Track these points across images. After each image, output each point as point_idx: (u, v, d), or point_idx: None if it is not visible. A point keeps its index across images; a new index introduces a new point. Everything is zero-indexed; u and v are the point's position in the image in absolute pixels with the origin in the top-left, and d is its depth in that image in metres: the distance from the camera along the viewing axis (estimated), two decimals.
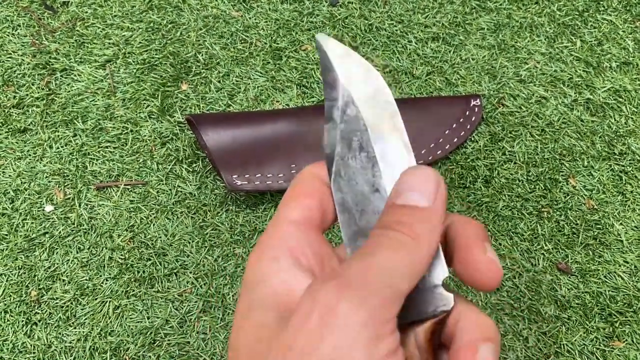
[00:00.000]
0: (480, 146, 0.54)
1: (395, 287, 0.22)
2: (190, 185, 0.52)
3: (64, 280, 0.49)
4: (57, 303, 0.48)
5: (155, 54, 0.58)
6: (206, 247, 0.50)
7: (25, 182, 0.53)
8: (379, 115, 0.28)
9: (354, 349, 0.20)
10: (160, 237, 0.50)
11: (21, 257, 0.50)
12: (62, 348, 0.46)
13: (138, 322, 0.47)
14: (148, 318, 0.47)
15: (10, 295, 0.48)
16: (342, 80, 0.28)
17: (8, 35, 0.59)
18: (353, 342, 0.20)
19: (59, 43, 0.59)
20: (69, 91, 0.57)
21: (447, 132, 0.54)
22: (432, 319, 0.25)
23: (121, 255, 0.50)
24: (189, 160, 0.54)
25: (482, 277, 0.26)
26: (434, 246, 0.24)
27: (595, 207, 0.52)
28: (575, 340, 0.47)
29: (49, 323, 0.47)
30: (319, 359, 0.20)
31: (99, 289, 0.48)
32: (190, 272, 0.49)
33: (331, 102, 0.28)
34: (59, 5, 0.61)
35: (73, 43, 0.59)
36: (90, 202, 0.52)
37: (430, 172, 0.25)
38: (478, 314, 0.26)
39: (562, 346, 0.47)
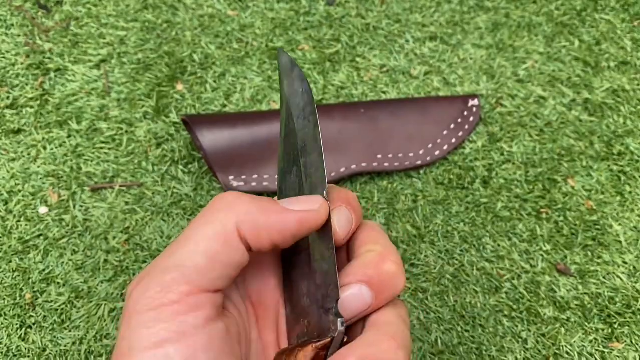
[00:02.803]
0: (478, 147, 0.54)
1: None
2: (186, 186, 0.52)
3: (58, 283, 0.48)
4: (52, 306, 0.47)
5: (151, 54, 0.58)
6: None
7: (19, 184, 0.52)
8: (306, 127, 0.31)
9: None
10: (156, 239, 0.50)
11: (15, 260, 0.49)
12: (57, 351, 0.46)
13: None
14: None
15: (5, 299, 0.48)
16: (287, 95, 0.31)
17: (1, 35, 0.59)
18: None
19: (53, 43, 0.58)
20: (63, 91, 0.56)
21: (445, 132, 0.54)
22: (318, 342, 0.27)
23: (116, 257, 0.49)
24: (185, 161, 0.53)
25: None
26: None
27: (594, 207, 0.52)
28: (574, 342, 0.46)
29: (43, 326, 0.47)
30: None
31: (94, 291, 0.48)
32: None
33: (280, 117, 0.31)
34: (52, 5, 0.60)
35: (67, 43, 0.58)
36: (85, 203, 0.51)
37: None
38: None
39: (561, 348, 0.46)
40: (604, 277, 0.49)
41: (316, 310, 0.28)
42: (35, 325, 0.47)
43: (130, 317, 0.24)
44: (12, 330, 0.47)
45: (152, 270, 0.26)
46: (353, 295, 0.27)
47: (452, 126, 0.54)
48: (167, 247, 0.27)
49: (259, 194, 0.52)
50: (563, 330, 0.47)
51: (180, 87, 0.56)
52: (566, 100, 0.56)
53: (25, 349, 0.46)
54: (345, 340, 0.27)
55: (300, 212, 0.27)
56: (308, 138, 0.30)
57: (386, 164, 0.52)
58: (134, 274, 0.48)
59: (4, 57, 0.58)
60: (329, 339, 0.26)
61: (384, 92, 0.56)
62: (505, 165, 0.53)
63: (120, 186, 0.52)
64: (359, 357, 0.25)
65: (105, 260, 0.49)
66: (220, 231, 0.26)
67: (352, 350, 0.25)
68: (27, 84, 0.56)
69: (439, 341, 0.47)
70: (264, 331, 0.30)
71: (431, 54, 0.58)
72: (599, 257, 0.50)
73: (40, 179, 0.52)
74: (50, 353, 0.46)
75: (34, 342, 0.46)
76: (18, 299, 0.48)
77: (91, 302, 0.48)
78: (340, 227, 0.29)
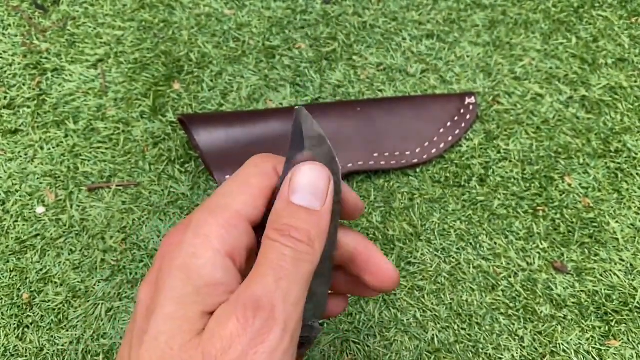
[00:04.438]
0: (475, 144, 0.54)
1: (302, 304, 0.26)
2: (183, 185, 0.52)
3: (55, 282, 0.48)
4: (49, 306, 0.48)
5: (147, 53, 0.58)
6: None
7: (16, 184, 0.52)
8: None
9: None
10: (153, 239, 0.50)
11: (12, 260, 0.49)
12: (54, 351, 0.46)
13: None
14: None
15: (2, 298, 0.48)
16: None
17: None
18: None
19: (50, 43, 0.58)
20: (60, 91, 0.56)
21: (441, 130, 0.54)
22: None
23: (113, 257, 0.49)
24: (182, 160, 0.53)
25: (385, 278, 0.31)
26: (323, 247, 0.27)
27: (591, 205, 0.51)
28: (571, 340, 0.46)
29: (41, 326, 0.47)
30: None
31: (91, 291, 0.48)
32: None
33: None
34: (49, 5, 0.60)
35: (64, 43, 0.58)
36: (82, 203, 0.51)
37: (324, 172, 0.28)
38: None
39: (558, 345, 0.46)
40: (600, 275, 0.49)
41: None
42: (33, 325, 0.47)
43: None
44: (9, 330, 0.47)
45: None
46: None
47: (449, 124, 0.54)
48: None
49: None
50: (560, 328, 0.47)
51: (177, 86, 0.56)
52: (563, 98, 0.56)
53: (23, 348, 0.46)
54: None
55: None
56: None
57: (383, 162, 0.52)
58: (130, 274, 0.49)
59: (1, 57, 0.58)
60: (313, 340, 0.29)
61: (380, 90, 0.56)
62: (502, 163, 0.53)
63: (117, 186, 0.52)
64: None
65: (102, 260, 0.49)
66: (256, 172, 0.28)
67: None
68: (24, 84, 0.56)
69: (436, 339, 0.47)
70: None
71: (428, 52, 0.58)
72: (596, 255, 0.50)
73: (38, 178, 0.52)
74: (47, 353, 0.46)
75: (31, 341, 0.46)
76: (15, 298, 0.48)
77: (88, 301, 0.48)
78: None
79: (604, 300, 0.48)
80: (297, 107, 0.29)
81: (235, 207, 0.26)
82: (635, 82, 0.57)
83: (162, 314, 0.25)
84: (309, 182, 0.27)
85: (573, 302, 0.48)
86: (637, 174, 0.53)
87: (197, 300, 0.25)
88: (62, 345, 0.46)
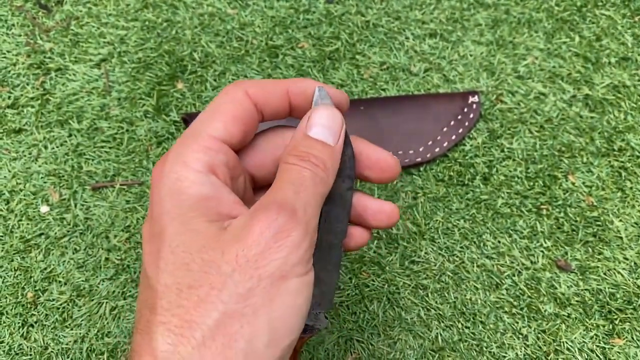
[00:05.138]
0: (478, 143, 0.54)
1: (316, 222, 0.28)
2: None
3: (60, 281, 0.48)
4: (53, 304, 0.48)
5: (151, 53, 0.58)
6: None
7: (20, 183, 0.52)
8: (339, 186, 0.32)
9: (298, 263, 0.26)
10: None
11: (17, 259, 0.49)
12: (58, 350, 0.46)
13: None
14: None
15: (7, 297, 0.48)
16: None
17: (2, 35, 0.59)
18: (298, 259, 0.26)
19: (53, 42, 0.59)
20: (64, 91, 0.56)
21: (445, 129, 0.54)
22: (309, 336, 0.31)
23: (117, 255, 0.49)
24: None
25: (384, 167, 0.32)
26: (334, 182, 0.30)
27: (595, 203, 0.51)
28: (575, 338, 0.46)
29: (45, 325, 0.47)
30: (271, 268, 0.25)
31: (96, 290, 0.48)
32: None
33: None
34: (53, 4, 0.60)
35: (68, 42, 0.59)
36: (86, 202, 0.51)
37: (338, 115, 0.30)
38: None
39: (561, 344, 0.46)
40: (604, 273, 0.49)
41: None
42: (37, 324, 0.47)
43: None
44: (14, 328, 0.47)
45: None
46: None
47: (452, 123, 0.54)
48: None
49: None
50: (564, 326, 0.47)
51: (180, 85, 0.56)
52: (566, 96, 0.56)
53: (27, 347, 0.46)
54: None
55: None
56: (337, 194, 0.32)
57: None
58: (134, 272, 0.49)
59: (5, 57, 0.58)
60: (316, 331, 0.31)
61: (383, 90, 0.56)
62: (506, 161, 0.53)
63: (121, 185, 0.52)
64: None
65: (106, 259, 0.49)
66: (227, 99, 0.29)
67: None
68: (28, 84, 0.57)
69: (440, 338, 0.47)
70: None
71: (431, 51, 0.58)
72: (600, 253, 0.50)
73: (42, 178, 0.52)
74: (51, 351, 0.46)
75: (35, 340, 0.46)
76: (20, 297, 0.48)
77: (92, 300, 0.48)
78: None
79: (607, 299, 0.48)
80: (317, 86, 0.31)
81: (208, 132, 0.28)
82: (639, 80, 0.56)
83: (169, 233, 0.26)
84: (326, 120, 0.30)
85: (577, 301, 0.48)
86: None
87: (196, 215, 0.26)
88: (67, 344, 0.46)
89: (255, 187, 0.33)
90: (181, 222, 0.26)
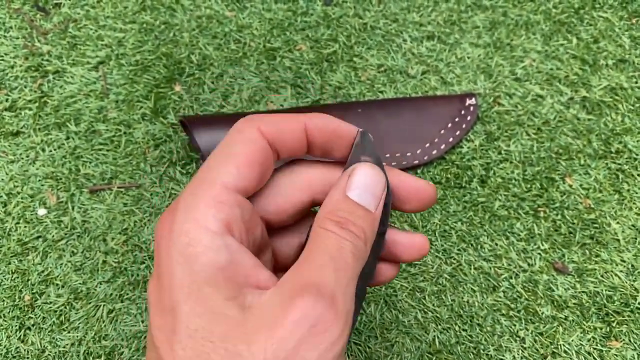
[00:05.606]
0: (476, 145, 0.54)
1: (353, 299, 0.25)
2: (184, 187, 0.52)
3: (57, 284, 0.48)
4: (50, 307, 0.48)
5: (148, 55, 0.58)
6: None
7: (18, 186, 0.52)
8: None
9: (332, 359, 0.23)
10: (154, 240, 0.50)
11: (14, 262, 0.49)
12: (56, 352, 0.46)
13: (132, 325, 0.47)
14: (142, 322, 0.47)
15: (4, 300, 0.48)
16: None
17: (0, 38, 0.59)
18: (334, 356, 0.23)
19: (51, 45, 0.59)
20: (62, 93, 0.56)
21: (442, 131, 0.54)
22: None
23: (115, 258, 0.49)
24: (183, 162, 0.53)
25: (421, 194, 0.29)
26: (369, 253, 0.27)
27: (592, 206, 0.51)
28: (572, 341, 0.46)
29: (42, 327, 0.47)
30: None
31: (93, 292, 0.48)
32: None
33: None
34: (51, 7, 0.61)
35: (65, 45, 0.59)
36: (84, 205, 0.51)
37: (383, 176, 0.28)
38: None
39: (559, 346, 0.46)
40: (602, 276, 0.49)
41: None
42: (34, 327, 0.47)
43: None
44: (11, 331, 0.47)
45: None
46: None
47: (450, 125, 0.54)
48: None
49: None
50: (561, 329, 0.47)
51: (178, 88, 0.57)
52: (564, 99, 0.56)
53: (24, 350, 0.46)
54: None
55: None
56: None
57: (383, 164, 0.52)
58: (132, 275, 0.49)
59: (2, 60, 0.58)
60: None
61: (381, 92, 0.56)
62: (503, 164, 0.53)
63: (119, 187, 0.52)
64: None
65: (104, 262, 0.49)
66: (240, 138, 0.26)
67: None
68: (25, 86, 0.57)
69: (437, 340, 0.47)
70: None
71: (428, 53, 0.58)
72: (597, 256, 0.50)
73: (39, 180, 0.52)
74: (49, 354, 0.46)
75: (32, 343, 0.46)
76: (17, 300, 0.48)
77: (90, 303, 0.48)
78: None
79: (605, 301, 0.48)
80: (360, 130, 0.29)
81: (222, 181, 0.25)
82: (636, 83, 0.57)
83: (184, 312, 0.23)
84: (370, 183, 0.27)
85: (574, 303, 0.48)
86: (638, 174, 0.53)
87: (213, 290, 0.23)
88: (64, 347, 0.46)
89: (271, 230, 0.30)
90: (197, 299, 0.23)
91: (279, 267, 0.30)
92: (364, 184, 0.27)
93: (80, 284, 0.48)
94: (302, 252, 0.25)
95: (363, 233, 0.26)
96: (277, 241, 0.30)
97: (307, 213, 0.30)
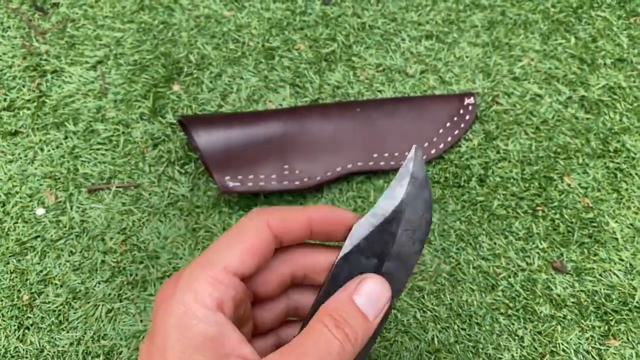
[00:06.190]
0: (474, 145, 0.54)
1: None
2: (183, 187, 0.52)
3: (56, 284, 0.48)
4: (49, 307, 0.48)
5: (147, 55, 0.58)
6: (199, 249, 0.50)
7: (16, 186, 0.52)
8: (407, 245, 0.33)
9: None
10: (153, 240, 0.50)
11: (13, 261, 0.49)
12: (54, 352, 0.46)
13: (131, 325, 0.47)
14: (141, 321, 0.47)
15: (2, 300, 0.48)
16: (405, 201, 0.32)
17: None
18: None
19: (49, 44, 0.59)
20: (60, 93, 0.56)
21: (441, 130, 0.54)
22: None
23: (113, 258, 0.49)
24: (181, 161, 0.53)
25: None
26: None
27: (590, 205, 0.52)
28: (570, 339, 0.47)
29: (41, 327, 0.47)
30: None
31: (92, 292, 0.48)
32: None
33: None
34: (49, 7, 0.60)
35: (64, 44, 0.58)
36: (82, 204, 0.51)
37: (389, 292, 0.31)
38: None
39: (557, 345, 0.46)
40: (600, 275, 0.49)
41: None
42: (33, 327, 0.47)
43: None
44: (9, 331, 0.47)
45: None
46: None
47: (448, 124, 0.54)
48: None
49: (255, 194, 0.52)
50: (559, 327, 0.47)
51: (176, 87, 0.56)
52: (562, 98, 0.56)
53: (23, 350, 0.46)
54: None
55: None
56: (405, 254, 0.32)
57: (382, 163, 0.53)
58: (130, 275, 0.49)
59: (0, 59, 0.58)
60: None
61: (379, 91, 0.56)
62: (501, 163, 0.53)
63: (117, 187, 0.52)
64: None
65: (103, 261, 0.49)
66: (250, 226, 0.30)
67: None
68: (23, 86, 0.57)
69: (436, 339, 0.47)
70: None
71: (427, 53, 0.58)
72: (595, 255, 0.50)
73: (38, 180, 0.52)
74: (47, 354, 0.46)
75: (31, 343, 0.46)
76: (15, 300, 0.48)
77: (88, 302, 0.48)
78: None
79: (603, 300, 0.48)
80: (415, 145, 0.32)
81: (224, 263, 0.29)
82: (634, 82, 0.57)
83: None
84: (376, 295, 0.30)
85: (572, 302, 0.48)
86: (636, 173, 0.53)
87: (201, 358, 0.26)
88: (63, 347, 0.46)
89: (255, 302, 0.34)
90: None
91: (256, 333, 0.34)
92: (370, 294, 0.30)
93: (78, 283, 0.48)
94: (296, 336, 0.29)
95: (355, 337, 0.28)
96: (257, 309, 0.34)
97: (287, 286, 0.34)
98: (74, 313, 0.47)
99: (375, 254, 0.32)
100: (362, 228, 0.32)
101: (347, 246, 0.31)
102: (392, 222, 0.32)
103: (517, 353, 0.46)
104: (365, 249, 0.31)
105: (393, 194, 0.32)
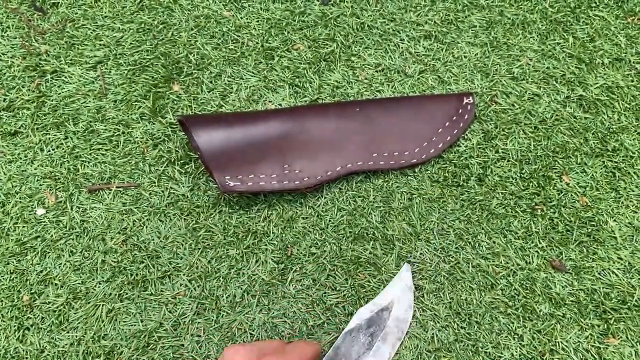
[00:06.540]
0: (473, 144, 0.54)
1: None
2: (183, 186, 0.52)
3: (56, 284, 0.48)
4: (49, 307, 0.48)
5: (147, 55, 0.58)
6: (199, 249, 0.50)
7: (16, 186, 0.52)
8: (395, 327, 0.47)
9: None
10: (153, 240, 0.50)
11: (13, 262, 0.49)
12: (55, 353, 0.46)
13: (131, 325, 0.47)
14: (142, 321, 0.47)
15: (2, 300, 0.48)
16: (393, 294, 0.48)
17: None
18: None
19: (49, 45, 0.59)
20: (60, 93, 0.56)
21: (440, 130, 0.54)
22: None
23: (114, 258, 0.49)
24: (182, 161, 0.53)
25: None
26: None
27: (589, 204, 0.52)
28: (570, 338, 0.47)
29: (41, 328, 0.47)
30: None
31: (92, 292, 0.48)
32: (184, 275, 0.49)
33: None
34: (48, 7, 0.60)
35: (63, 44, 0.59)
36: (82, 205, 0.51)
37: None
38: None
39: (557, 344, 0.47)
40: (599, 273, 0.49)
41: None
42: (33, 327, 0.47)
43: None
44: (9, 332, 0.47)
45: None
46: None
47: (447, 124, 0.54)
48: None
49: (255, 193, 0.52)
50: (559, 326, 0.47)
51: (176, 87, 0.57)
52: (560, 97, 0.56)
53: (23, 350, 0.46)
54: None
55: None
56: (390, 338, 0.46)
57: (381, 162, 0.53)
58: (131, 275, 0.49)
59: (0, 60, 0.58)
60: None
61: (379, 91, 0.57)
62: (500, 162, 0.53)
63: (117, 187, 0.52)
64: None
65: (103, 261, 0.49)
66: None
67: None
68: (23, 86, 0.57)
69: (435, 338, 0.47)
70: None
71: (426, 53, 0.58)
72: (594, 253, 0.50)
73: (37, 180, 0.52)
74: (48, 354, 0.46)
75: (31, 343, 0.46)
76: (15, 300, 0.48)
77: (89, 302, 0.48)
78: None
79: (602, 299, 0.48)
80: (407, 264, 0.48)
81: None
82: (632, 81, 0.57)
83: None
84: None
85: (572, 301, 0.48)
86: (634, 172, 0.53)
87: None
88: (63, 347, 0.46)
89: None
90: None
91: None
92: None
93: (79, 283, 0.48)
94: None
95: None
96: None
97: None
98: (74, 313, 0.47)
99: (370, 334, 0.45)
100: (364, 312, 0.46)
101: (352, 323, 0.46)
102: (385, 311, 0.46)
103: (516, 352, 0.46)
104: (364, 328, 0.45)
105: (387, 292, 0.47)
